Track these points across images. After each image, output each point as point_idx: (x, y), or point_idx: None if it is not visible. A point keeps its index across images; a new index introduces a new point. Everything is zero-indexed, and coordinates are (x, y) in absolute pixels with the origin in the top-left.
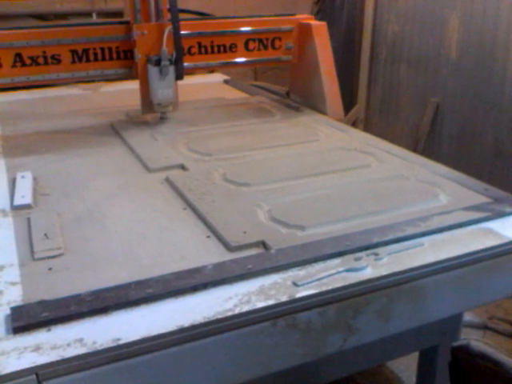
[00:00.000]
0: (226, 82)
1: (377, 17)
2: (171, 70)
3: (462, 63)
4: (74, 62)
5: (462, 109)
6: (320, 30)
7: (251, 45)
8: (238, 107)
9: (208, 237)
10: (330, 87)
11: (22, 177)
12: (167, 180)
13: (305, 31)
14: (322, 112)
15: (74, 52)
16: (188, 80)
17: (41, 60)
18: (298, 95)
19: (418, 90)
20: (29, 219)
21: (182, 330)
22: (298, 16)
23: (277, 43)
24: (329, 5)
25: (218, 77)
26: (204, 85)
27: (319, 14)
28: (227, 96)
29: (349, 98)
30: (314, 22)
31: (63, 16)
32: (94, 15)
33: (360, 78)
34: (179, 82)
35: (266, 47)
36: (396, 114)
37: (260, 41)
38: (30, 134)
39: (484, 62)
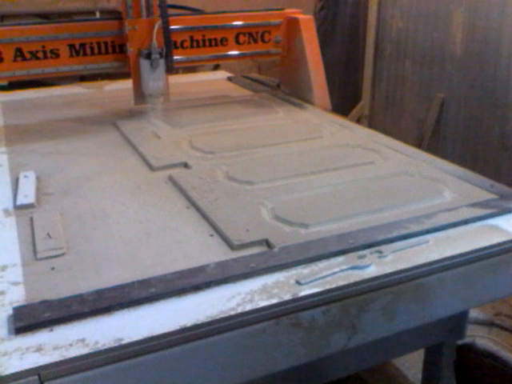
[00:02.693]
0: (229, 79)
1: (381, 13)
2: (161, 62)
3: (467, 58)
4: (71, 56)
5: (468, 104)
6: (307, 23)
7: (241, 38)
8: (242, 104)
9: (211, 235)
10: (317, 78)
11: (25, 176)
12: (170, 178)
13: (293, 25)
14: (310, 102)
15: (71, 46)
16: (192, 77)
17: (40, 54)
18: (287, 86)
19: (422, 85)
20: (31, 219)
21: (184, 330)
22: (287, 10)
23: (266, 37)
24: (332, 1)
25: (221, 74)
26: (207, 82)
27: (323, 10)
28: (231, 93)
29: (353, 95)
30: (301, 16)
31: (66, 15)
32: (98, 13)
33: (364, 74)
34: (184, 80)
35: (255, 41)
36: (401, 110)
37: (250, 34)
38: (33, 133)
39: (489, 57)
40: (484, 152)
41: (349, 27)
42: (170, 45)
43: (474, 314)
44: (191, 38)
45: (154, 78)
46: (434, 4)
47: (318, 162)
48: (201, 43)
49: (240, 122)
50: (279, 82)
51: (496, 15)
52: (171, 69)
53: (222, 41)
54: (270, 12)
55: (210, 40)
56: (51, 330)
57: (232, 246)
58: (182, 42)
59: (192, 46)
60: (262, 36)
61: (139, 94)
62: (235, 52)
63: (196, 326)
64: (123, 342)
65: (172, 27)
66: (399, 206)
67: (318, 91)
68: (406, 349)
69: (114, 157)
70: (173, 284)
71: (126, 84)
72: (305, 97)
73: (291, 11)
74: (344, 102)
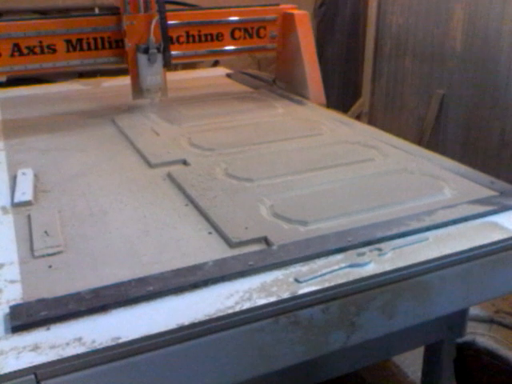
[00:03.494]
0: (228, 75)
1: (381, 9)
2: (159, 57)
3: (467, 55)
4: (68, 51)
5: (468, 100)
6: (302, 19)
7: (237, 34)
8: (241, 101)
9: (210, 233)
10: (312, 73)
11: (23, 173)
12: (169, 176)
13: (288, 20)
14: (305, 97)
15: (68, 42)
16: (190, 74)
17: (37, 50)
18: (283, 81)
19: (423, 82)
20: (29, 216)
21: (182, 328)
22: (282, 6)
23: (262, 32)
24: None
25: (220, 70)
26: (206, 78)
27: (323, 7)
28: (230, 90)
29: (353, 91)
30: (296, 12)
31: (65, 11)
32: (97, 10)
33: (364, 71)
34: (183, 76)
35: (251, 36)
36: (401, 106)
37: (245, 30)
38: (31, 129)
39: (489, 53)
40: (484, 148)
41: (349, 23)
42: (167, 40)
43: (474, 311)
44: (187, 33)
45: (152, 73)
46: (434, 0)
47: (317, 158)
48: (197, 38)
49: (239, 119)
50: (274, 78)
51: (496, 11)
52: (169, 63)
53: (217, 36)
54: (265, 7)
55: (205, 35)
56: (48, 329)
57: (230, 244)
58: (178, 38)
59: (188, 42)
60: (258, 31)
61: (137, 88)
62: (231, 47)
63: (194, 325)
64: (120, 341)
65: (168, 22)
66: (399, 203)
67: (312, 86)
68: (405, 346)
69: (113, 154)
70: (170, 282)
71: (124, 80)
72: (300, 92)
73: (287, 7)
74: (344, 99)
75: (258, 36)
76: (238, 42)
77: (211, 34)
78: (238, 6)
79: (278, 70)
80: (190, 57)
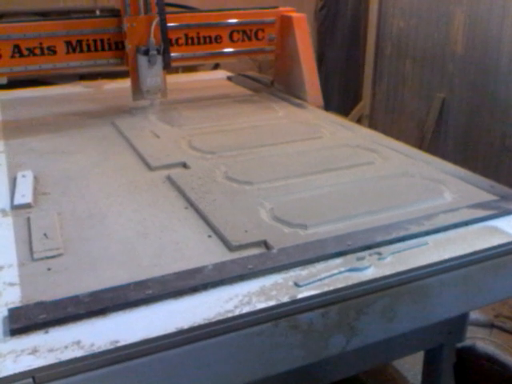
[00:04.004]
0: (229, 78)
1: (382, 12)
2: (159, 59)
3: (467, 58)
4: (68, 52)
5: (468, 104)
6: (300, 21)
7: (235, 36)
8: (241, 104)
9: (209, 236)
10: (310, 76)
11: (23, 176)
12: (169, 178)
13: (286, 23)
14: (303, 99)
15: (68, 43)
16: (191, 77)
17: (37, 51)
18: (281, 84)
19: (423, 85)
20: (28, 219)
21: (181, 332)
22: (280, 8)
23: (260, 34)
24: (333, 0)
25: (221, 73)
26: (207, 81)
27: (324, 10)
28: (230, 93)
29: (354, 94)
30: (294, 15)
31: (67, 13)
32: (98, 12)
33: (365, 74)
34: (183, 79)
35: (249, 38)
36: (401, 109)
37: (244, 32)
38: (31, 131)
39: (490, 57)
40: (484, 152)
41: (349, 26)
42: (167, 42)
43: (474, 315)
44: (186, 35)
45: (152, 75)
46: (434, 3)
47: (317, 162)
48: (195, 41)
49: (239, 122)
50: (273, 80)
51: (497, 15)
52: (169, 65)
53: (216, 38)
54: (263, 10)
55: (204, 38)
56: (46, 332)
57: (230, 247)
58: (177, 40)
59: (187, 44)
60: (256, 34)
61: (137, 90)
62: (229, 49)
63: (193, 329)
64: (119, 345)
65: (167, 24)
66: (399, 207)
67: (310, 88)
68: (405, 351)
69: (113, 156)
70: (169, 285)
71: (126, 83)
72: (298, 94)
73: (285, 9)
74: (344, 102)
75: (257, 38)
76: (236, 45)
77: (210, 37)
78: (236, 9)
79: (277, 72)
80: (189, 59)
